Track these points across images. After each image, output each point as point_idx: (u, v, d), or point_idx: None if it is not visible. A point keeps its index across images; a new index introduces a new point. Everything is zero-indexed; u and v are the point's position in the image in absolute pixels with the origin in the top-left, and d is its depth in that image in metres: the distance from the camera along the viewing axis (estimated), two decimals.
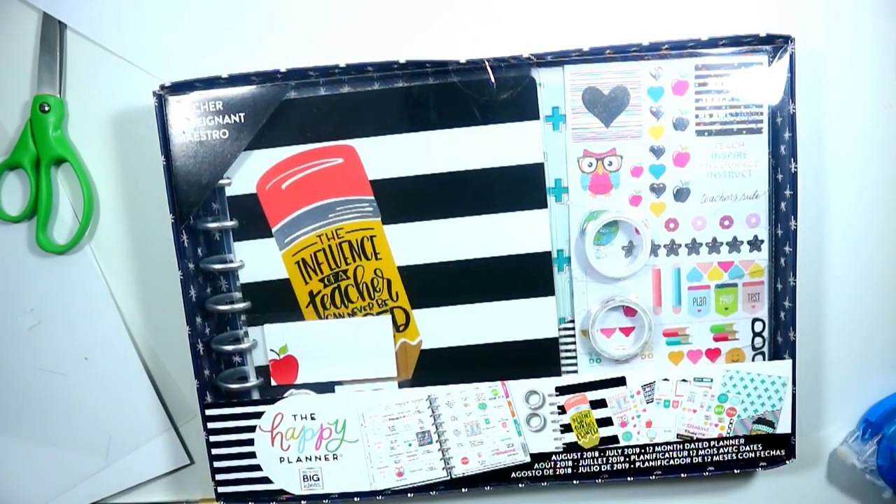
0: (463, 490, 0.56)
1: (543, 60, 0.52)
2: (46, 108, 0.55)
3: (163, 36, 0.56)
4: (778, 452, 0.56)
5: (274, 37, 0.55)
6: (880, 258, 0.57)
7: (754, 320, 0.55)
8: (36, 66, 0.55)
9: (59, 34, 0.55)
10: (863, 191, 0.56)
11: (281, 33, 0.55)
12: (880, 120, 0.56)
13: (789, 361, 0.54)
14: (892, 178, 0.56)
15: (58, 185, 0.57)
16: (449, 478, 0.56)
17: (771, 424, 0.55)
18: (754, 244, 0.54)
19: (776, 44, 0.52)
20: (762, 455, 0.56)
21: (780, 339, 0.55)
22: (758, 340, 0.55)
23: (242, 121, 0.53)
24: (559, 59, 0.52)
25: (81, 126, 0.56)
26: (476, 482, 0.56)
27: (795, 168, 0.52)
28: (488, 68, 0.52)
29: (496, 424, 0.56)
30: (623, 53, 0.52)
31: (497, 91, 0.52)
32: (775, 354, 0.55)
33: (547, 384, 0.55)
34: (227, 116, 0.52)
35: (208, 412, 0.55)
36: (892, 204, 0.56)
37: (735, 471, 0.56)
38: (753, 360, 0.56)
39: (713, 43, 0.52)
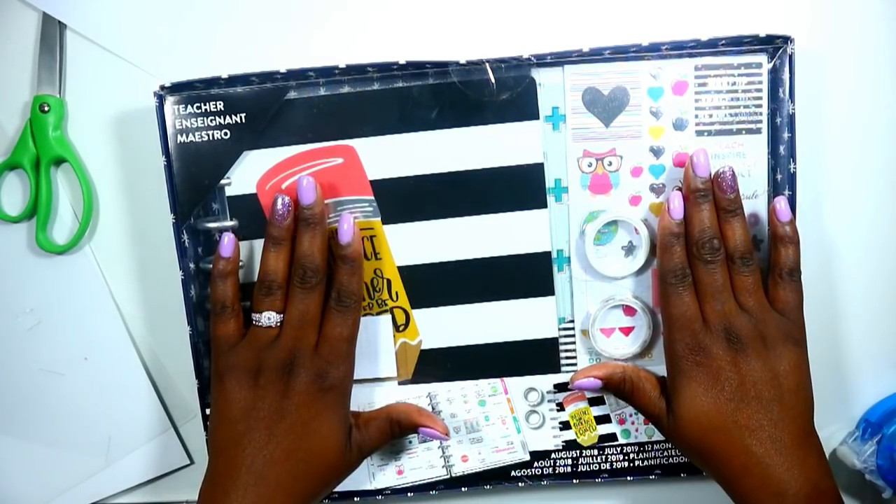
0: (463, 489, 0.56)
1: (543, 61, 0.52)
2: (46, 108, 0.55)
3: (163, 36, 0.56)
4: None
5: (274, 37, 0.55)
6: (880, 258, 0.57)
7: None
8: (36, 66, 0.55)
9: (59, 34, 0.55)
10: (862, 191, 0.56)
11: (281, 33, 0.55)
12: (880, 120, 0.56)
13: None
14: (892, 179, 0.56)
15: (58, 185, 0.57)
16: (449, 476, 0.56)
17: None
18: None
19: (776, 44, 0.52)
20: None
21: None
22: None
23: (243, 121, 0.53)
24: (559, 60, 0.52)
25: (81, 126, 0.56)
26: (476, 481, 0.56)
27: (795, 168, 0.52)
28: (488, 68, 0.52)
29: (496, 422, 0.56)
30: (623, 54, 0.52)
31: (497, 91, 0.52)
32: None
33: (545, 381, 0.55)
34: (227, 116, 0.52)
35: (208, 412, 0.55)
36: (892, 204, 0.56)
37: None
38: None
39: (713, 43, 0.52)
